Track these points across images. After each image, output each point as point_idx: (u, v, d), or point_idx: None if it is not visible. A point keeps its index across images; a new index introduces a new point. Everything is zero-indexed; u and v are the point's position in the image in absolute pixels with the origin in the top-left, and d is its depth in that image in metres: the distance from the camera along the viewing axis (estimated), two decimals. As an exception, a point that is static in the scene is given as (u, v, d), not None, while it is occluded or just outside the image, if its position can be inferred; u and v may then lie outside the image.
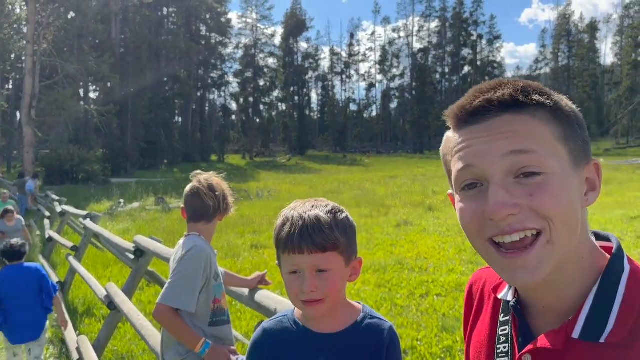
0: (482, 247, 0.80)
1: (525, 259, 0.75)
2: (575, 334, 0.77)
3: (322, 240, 1.18)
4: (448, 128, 0.88)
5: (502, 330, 0.89)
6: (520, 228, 0.74)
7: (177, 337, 2.31)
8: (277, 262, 1.28)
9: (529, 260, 0.75)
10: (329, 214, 1.22)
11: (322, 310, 1.21)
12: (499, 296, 0.92)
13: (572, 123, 0.80)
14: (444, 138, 0.89)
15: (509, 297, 0.90)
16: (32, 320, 4.25)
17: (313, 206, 1.23)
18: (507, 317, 0.89)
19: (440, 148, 0.90)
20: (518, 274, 0.76)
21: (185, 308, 2.27)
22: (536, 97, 0.78)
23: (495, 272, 0.81)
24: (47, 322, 4.52)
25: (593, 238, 0.85)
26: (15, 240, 4.45)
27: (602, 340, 0.75)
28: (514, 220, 0.74)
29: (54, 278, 7.83)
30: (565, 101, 0.82)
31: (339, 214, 1.24)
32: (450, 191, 0.93)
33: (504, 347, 0.87)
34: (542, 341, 0.79)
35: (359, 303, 1.34)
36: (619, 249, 0.83)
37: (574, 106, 0.83)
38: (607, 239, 0.88)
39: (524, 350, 0.82)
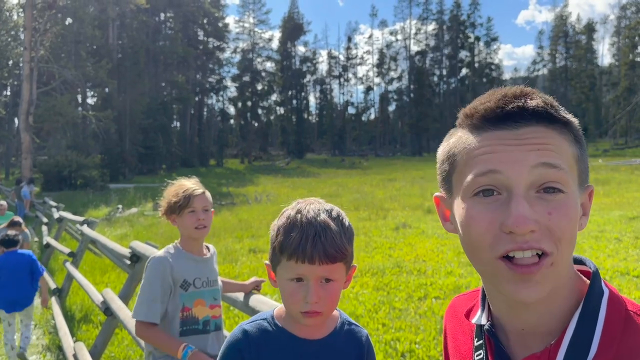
0: (490, 262, 0.76)
1: (533, 275, 0.73)
2: (559, 359, 0.75)
3: (334, 251, 1.14)
4: (454, 126, 0.85)
5: (477, 356, 0.86)
6: (537, 247, 0.72)
7: (158, 347, 2.33)
8: (268, 262, 1.23)
9: (535, 277, 0.73)
10: (336, 222, 1.18)
11: (320, 320, 1.19)
12: (473, 321, 0.90)
13: (583, 146, 0.80)
14: (454, 137, 0.84)
15: (483, 321, 0.87)
16: (23, 295, 5.26)
17: (319, 210, 1.18)
18: (481, 341, 0.86)
19: (446, 146, 0.85)
20: (523, 288, 0.73)
21: (149, 319, 2.32)
22: (564, 114, 0.77)
23: (496, 285, 0.78)
24: (35, 299, 5.60)
25: None
26: (11, 231, 5.59)
27: None
28: (532, 237, 0.72)
29: (52, 285, 7.81)
30: (577, 122, 0.81)
31: (345, 220, 1.21)
32: (437, 193, 0.90)
33: None
34: None
35: (336, 309, 1.32)
36: (597, 272, 0.82)
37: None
38: (581, 262, 0.87)
39: None
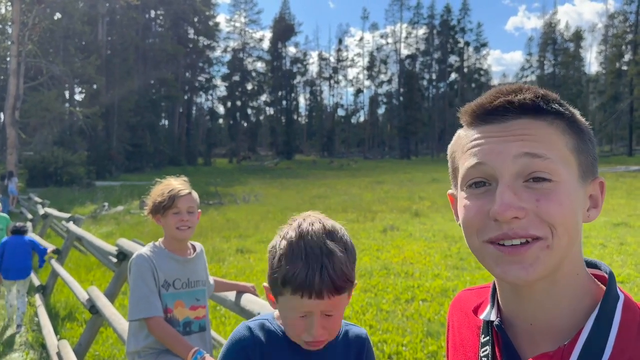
0: (479, 245, 0.79)
1: (522, 255, 0.74)
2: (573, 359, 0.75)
3: (343, 282, 1.09)
4: (460, 126, 0.88)
5: (483, 352, 0.86)
6: (524, 234, 0.74)
7: (168, 346, 2.29)
8: (267, 285, 1.18)
9: (525, 257, 0.74)
10: (341, 245, 1.12)
11: (322, 345, 1.18)
12: (481, 317, 0.90)
13: (584, 137, 0.81)
14: (455, 136, 0.88)
15: (492, 317, 0.87)
16: (21, 266, 6.47)
17: (323, 235, 1.10)
18: (488, 338, 0.86)
19: (449, 145, 0.90)
20: (512, 268, 0.75)
21: (155, 314, 2.28)
22: (555, 105, 0.79)
23: (488, 267, 0.79)
24: (32, 273, 6.95)
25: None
26: (20, 224, 6.93)
27: None
28: (518, 225, 0.74)
29: (36, 282, 7.72)
30: (579, 116, 0.83)
31: (348, 241, 1.15)
32: (450, 191, 0.91)
33: None
34: None
35: None
36: (612, 276, 0.82)
37: (587, 123, 0.84)
38: (595, 266, 0.88)
39: None
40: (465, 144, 0.83)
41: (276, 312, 1.24)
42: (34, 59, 33.15)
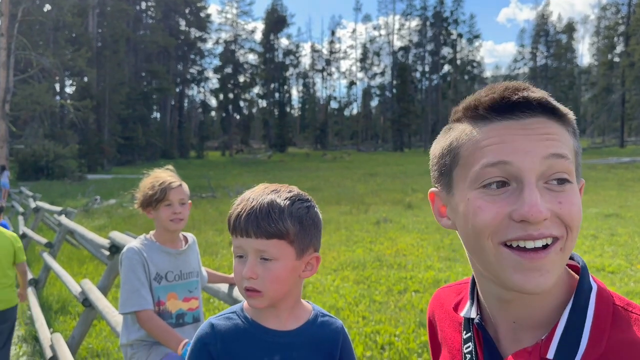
0: (492, 249, 0.76)
1: (542, 261, 0.73)
2: (550, 354, 0.75)
3: (267, 224, 1.12)
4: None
5: (466, 348, 0.86)
6: (548, 234, 0.73)
7: (158, 339, 2.29)
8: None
9: (545, 263, 0.73)
10: (286, 200, 1.16)
11: (261, 303, 1.16)
12: (461, 314, 0.90)
13: (578, 140, 0.81)
14: (455, 130, 0.83)
15: (473, 314, 0.87)
16: None
17: (274, 191, 1.17)
18: (470, 334, 0.86)
19: (446, 140, 0.84)
20: (533, 276, 0.73)
21: (145, 307, 2.28)
22: (564, 108, 0.79)
23: (501, 274, 0.76)
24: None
25: None
26: None
27: None
28: (544, 226, 0.72)
29: (29, 275, 7.67)
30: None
31: (299, 202, 1.18)
32: (433, 189, 0.89)
33: None
34: None
35: (309, 302, 1.29)
36: (585, 267, 0.83)
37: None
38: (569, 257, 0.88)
39: None
40: (478, 140, 0.78)
41: (245, 302, 1.23)
42: (23, 52, 32.81)
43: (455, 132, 0.83)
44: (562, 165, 0.74)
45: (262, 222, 1.12)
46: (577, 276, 0.83)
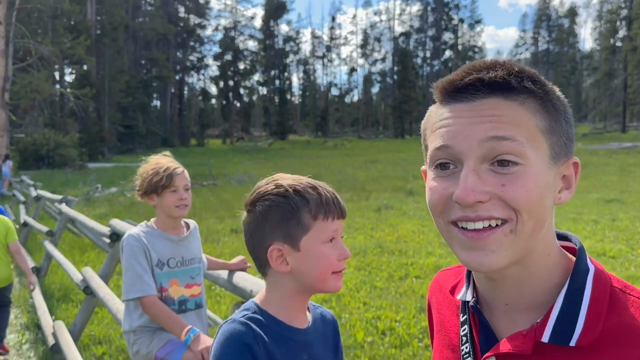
0: (444, 227, 0.78)
1: (485, 241, 0.73)
2: (545, 337, 0.74)
3: (344, 206, 1.22)
4: (434, 102, 0.84)
5: (462, 331, 0.86)
6: (487, 216, 0.72)
7: (161, 324, 2.30)
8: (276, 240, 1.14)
9: (487, 243, 0.73)
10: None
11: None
12: (457, 297, 0.89)
13: (559, 117, 0.77)
14: (428, 112, 0.85)
15: (468, 297, 0.87)
16: None
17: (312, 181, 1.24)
18: (466, 316, 0.86)
19: (422, 122, 0.86)
20: (476, 255, 0.74)
21: (148, 293, 2.28)
22: (528, 84, 0.75)
23: (454, 251, 0.78)
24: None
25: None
26: None
27: (572, 344, 0.72)
28: (481, 208, 0.72)
29: (30, 263, 7.70)
30: (557, 93, 0.79)
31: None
32: (423, 167, 0.89)
33: (467, 348, 0.83)
34: (509, 344, 0.76)
35: None
36: (582, 249, 0.81)
37: (565, 100, 0.80)
38: (566, 238, 0.86)
39: (488, 353, 0.79)
40: (434, 122, 0.80)
41: (258, 300, 1.17)
42: (22, 40, 32.64)
43: (427, 114, 0.86)
44: (505, 147, 0.72)
45: (343, 204, 1.21)
46: (573, 258, 0.81)
